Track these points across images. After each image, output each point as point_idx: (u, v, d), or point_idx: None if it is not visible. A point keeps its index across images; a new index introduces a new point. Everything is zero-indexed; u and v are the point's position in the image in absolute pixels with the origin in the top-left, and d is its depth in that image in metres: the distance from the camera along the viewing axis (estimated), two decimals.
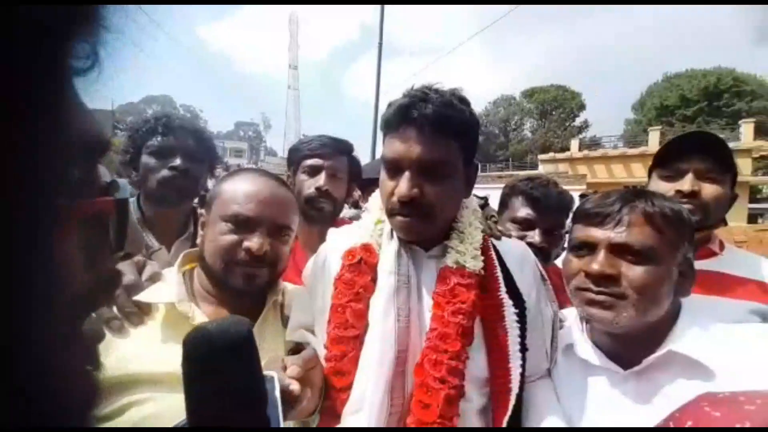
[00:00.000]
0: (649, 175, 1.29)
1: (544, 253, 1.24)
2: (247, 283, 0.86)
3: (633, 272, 0.76)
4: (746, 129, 16.87)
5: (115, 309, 0.79)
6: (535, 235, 1.27)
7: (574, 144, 22.86)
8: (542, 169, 20.36)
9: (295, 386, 0.65)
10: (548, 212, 1.29)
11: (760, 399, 0.53)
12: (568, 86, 39.26)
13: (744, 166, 15.51)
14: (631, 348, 0.80)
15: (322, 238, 1.37)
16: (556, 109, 37.96)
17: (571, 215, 1.38)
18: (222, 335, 0.44)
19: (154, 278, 0.87)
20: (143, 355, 0.77)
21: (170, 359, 0.76)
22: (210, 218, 0.90)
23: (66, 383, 0.23)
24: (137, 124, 1.29)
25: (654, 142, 18.50)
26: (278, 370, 0.70)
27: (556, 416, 0.84)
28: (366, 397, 0.73)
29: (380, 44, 9.81)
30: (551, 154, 23.18)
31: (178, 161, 1.25)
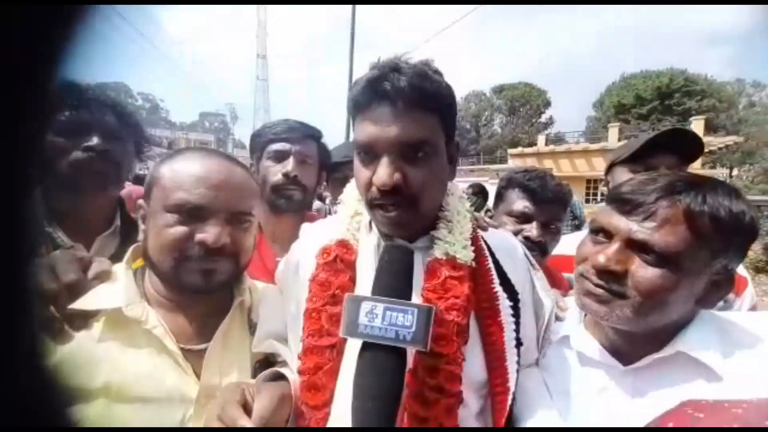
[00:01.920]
0: (609, 170, 1.34)
1: (541, 247, 1.22)
2: (206, 281, 0.75)
3: (642, 273, 0.67)
4: (696, 125, 18.03)
5: (53, 310, 0.68)
6: (532, 229, 1.24)
7: (541, 139, 23.68)
8: (511, 163, 21.02)
9: (245, 423, 0.61)
10: (545, 205, 1.25)
11: (745, 403, 0.53)
12: (534, 84, 40.54)
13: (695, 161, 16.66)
14: (632, 344, 0.74)
15: (290, 230, 1.26)
16: (524, 105, 39.12)
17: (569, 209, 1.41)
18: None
19: (102, 277, 0.75)
20: (82, 364, 0.67)
21: (113, 367, 0.68)
22: (150, 209, 0.77)
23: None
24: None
25: (613, 138, 19.49)
26: (233, 403, 0.65)
27: (545, 405, 0.79)
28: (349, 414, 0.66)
29: (352, 34, 9.63)
30: (520, 149, 23.93)
31: (94, 140, 1.04)
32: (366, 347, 0.59)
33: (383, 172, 0.67)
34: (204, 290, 0.77)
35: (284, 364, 0.80)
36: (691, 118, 19.86)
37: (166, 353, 0.73)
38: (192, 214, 0.74)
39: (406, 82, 0.65)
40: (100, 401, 0.66)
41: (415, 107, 0.66)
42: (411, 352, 0.68)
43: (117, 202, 1.21)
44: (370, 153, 0.69)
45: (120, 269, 0.79)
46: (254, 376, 0.81)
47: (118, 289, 0.75)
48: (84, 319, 0.70)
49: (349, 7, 9.66)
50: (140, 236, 0.82)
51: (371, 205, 0.72)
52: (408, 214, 0.70)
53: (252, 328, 0.85)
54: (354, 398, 0.57)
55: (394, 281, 0.62)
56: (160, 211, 0.75)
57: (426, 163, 0.69)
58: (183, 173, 0.76)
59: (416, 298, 0.73)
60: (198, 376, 0.74)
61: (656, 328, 0.71)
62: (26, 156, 0.32)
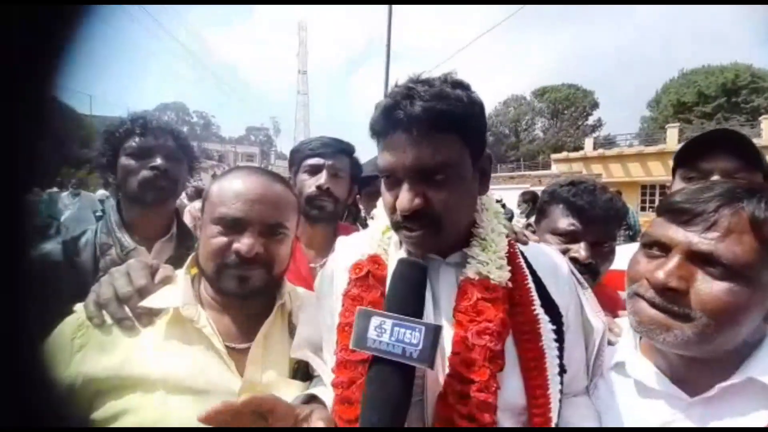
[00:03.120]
0: (673, 175, 1.23)
1: (591, 270, 1.07)
2: (241, 287, 0.83)
3: (709, 289, 0.61)
4: (767, 125, 16.30)
5: (127, 309, 0.81)
6: (580, 249, 1.08)
7: (589, 143, 22.48)
8: (555, 169, 20.09)
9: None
10: (595, 222, 1.10)
11: None
12: (580, 85, 38.70)
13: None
14: (698, 371, 0.68)
15: (324, 239, 1.40)
16: (568, 108, 37.35)
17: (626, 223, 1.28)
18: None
19: (166, 281, 0.88)
20: (145, 357, 0.77)
21: (171, 361, 0.77)
22: (203, 221, 0.88)
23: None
24: (113, 126, 1.28)
25: (673, 139, 18.06)
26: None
27: None
28: None
29: (388, 45, 9.78)
30: (565, 154, 22.85)
31: (158, 161, 1.23)
32: (375, 361, 0.60)
33: (404, 198, 0.68)
34: (240, 295, 0.85)
35: (320, 377, 0.83)
36: (760, 117, 17.93)
37: (214, 350, 0.81)
38: (231, 226, 0.83)
39: (420, 108, 0.65)
40: (159, 392, 0.74)
41: (430, 132, 0.66)
42: (443, 370, 0.68)
43: (174, 212, 1.38)
44: (391, 179, 0.71)
45: (180, 274, 0.90)
46: (293, 375, 0.87)
47: (177, 291, 0.85)
48: (149, 316, 0.82)
49: (385, 20, 9.85)
50: (196, 245, 0.92)
51: (396, 226, 0.74)
52: (431, 235, 0.70)
53: (292, 330, 0.92)
54: (361, 409, 0.59)
55: (402, 296, 0.63)
56: (208, 223, 0.85)
57: (448, 185, 0.69)
58: (226, 190, 0.85)
59: (448, 317, 0.72)
60: (241, 373, 0.80)
61: (725, 352, 0.65)
62: (27, 155, 0.34)
